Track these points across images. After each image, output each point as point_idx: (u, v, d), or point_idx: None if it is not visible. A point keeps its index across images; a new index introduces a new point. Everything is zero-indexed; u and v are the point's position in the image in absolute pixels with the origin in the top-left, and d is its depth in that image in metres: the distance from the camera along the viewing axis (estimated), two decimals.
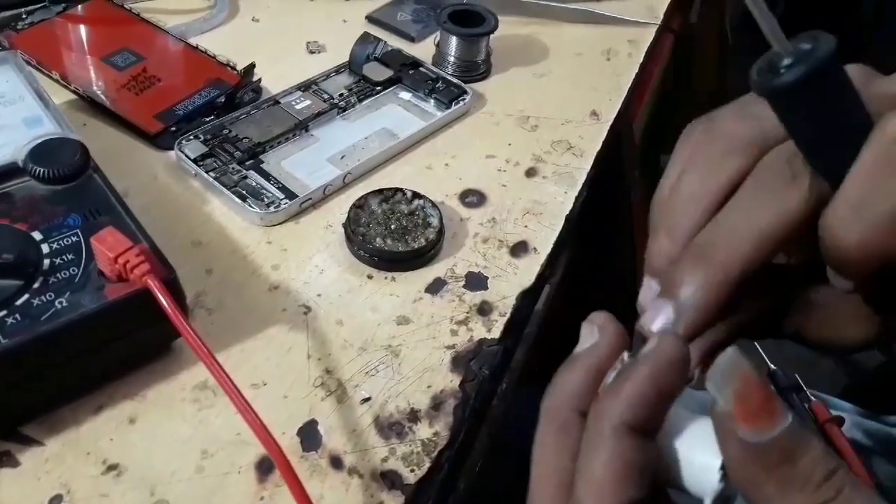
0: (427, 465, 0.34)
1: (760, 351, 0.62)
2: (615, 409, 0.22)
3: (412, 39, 0.61)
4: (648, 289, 0.27)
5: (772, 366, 0.59)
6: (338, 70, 0.56)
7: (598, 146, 0.53)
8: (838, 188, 0.22)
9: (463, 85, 0.55)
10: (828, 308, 0.27)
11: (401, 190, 0.45)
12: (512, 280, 0.43)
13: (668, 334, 0.23)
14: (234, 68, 0.54)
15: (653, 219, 0.28)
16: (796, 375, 0.57)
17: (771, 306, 0.28)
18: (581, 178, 0.50)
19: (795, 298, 0.28)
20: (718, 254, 0.24)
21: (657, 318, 0.25)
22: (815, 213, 0.23)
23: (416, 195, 0.45)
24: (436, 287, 0.42)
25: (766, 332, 0.29)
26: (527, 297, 0.43)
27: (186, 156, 0.47)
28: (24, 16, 0.56)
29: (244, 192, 0.45)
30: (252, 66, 0.54)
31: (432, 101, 0.54)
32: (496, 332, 0.40)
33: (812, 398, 0.56)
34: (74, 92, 0.51)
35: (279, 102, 0.52)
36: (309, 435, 0.35)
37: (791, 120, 0.22)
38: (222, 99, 0.52)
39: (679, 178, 0.27)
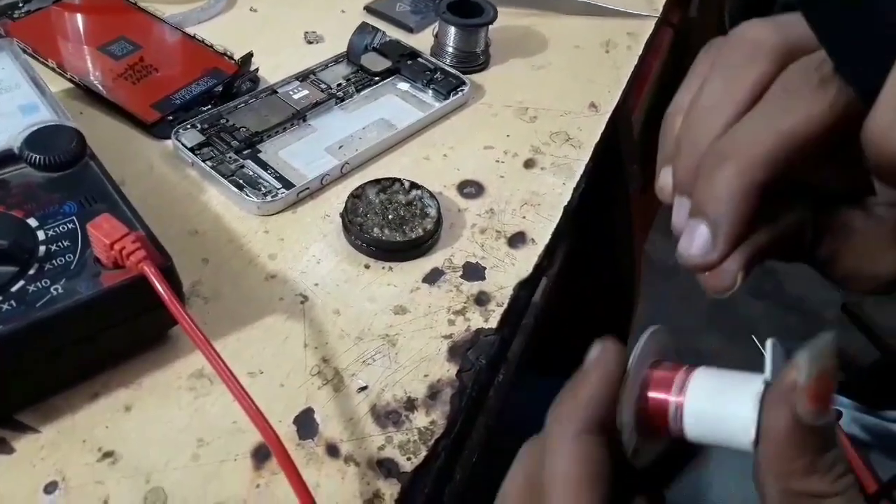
0: (423, 453, 0.34)
1: (760, 346, 0.62)
2: (577, 413, 0.24)
3: (410, 30, 0.61)
4: (681, 206, 0.26)
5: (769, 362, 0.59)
6: (336, 60, 0.55)
7: (597, 138, 0.53)
8: (879, 93, 0.21)
9: (461, 76, 0.55)
10: (864, 234, 0.27)
11: (398, 180, 0.45)
12: (510, 271, 0.43)
13: (607, 346, 0.24)
14: (231, 58, 0.54)
15: (668, 132, 0.27)
16: None
17: (803, 224, 0.27)
18: (579, 169, 0.50)
19: (830, 224, 0.27)
20: (740, 154, 0.24)
21: (693, 242, 0.25)
22: (842, 122, 0.22)
23: (413, 185, 0.45)
24: (433, 277, 0.42)
25: (798, 256, 0.28)
26: (524, 288, 0.43)
27: (183, 145, 0.47)
28: (20, 4, 0.56)
29: (241, 181, 0.45)
30: (249, 55, 0.53)
31: (430, 91, 0.54)
32: (493, 322, 0.40)
33: None
34: (71, 80, 0.51)
35: (277, 92, 0.52)
36: (305, 423, 0.35)
37: (823, 23, 0.21)
38: (219, 88, 0.51)
39: (700, 88, 0.25)
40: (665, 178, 0.28)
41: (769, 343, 0.23)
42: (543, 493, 0.23)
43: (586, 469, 0.23)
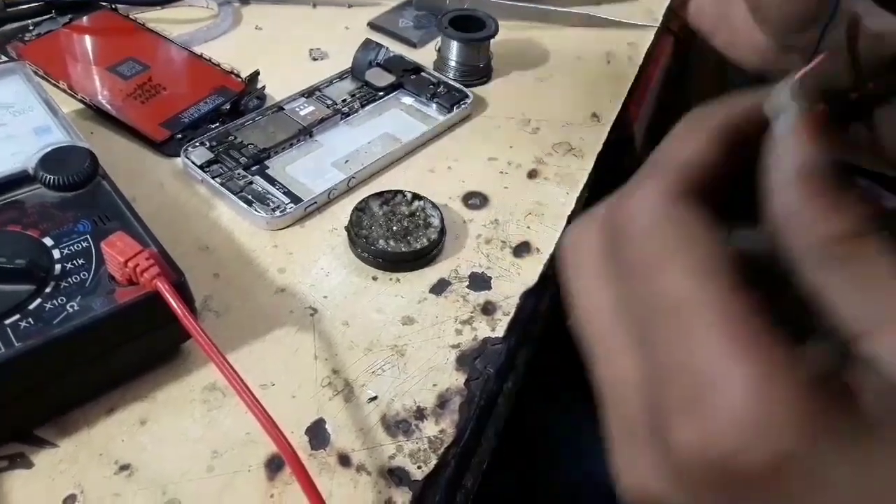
0: (434, 461, 0.35)
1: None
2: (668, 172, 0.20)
3: (414, 45, 0.62)
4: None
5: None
6: (341, 76, 0.56)
7: (599, 148, 0.53)
8: None
9: (464, 89, 0.55)
10: None
11: (401, 192, 0.46)
12: (515, 280, 0.44)
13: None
14: (238, 76, 0.55)
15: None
16: None
17: None
18: (582, 179, 0.51)
19: None
20: None
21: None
22: None
23: (416, 196, 0.46)
24: (440, 288, 0.43)
25: None
26: (530, 297, 0.43)
27: (193, 162, 0.47)
28: (31, 27, 0.57)
29: (250, 197, 0.46)
30: (256, 73, 0.54)
31: (434, 105, 0.55)
32: (500, 331, 0.41)
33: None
34: (81, 101, 0.52)
35: (283, 109, 0.53)
36: (317, 434, 0.36)
37: None
38: (227, 106, 0.52)
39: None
40: None
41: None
42: (623, 256, 0.20)
43: (681, 231, 0.19)
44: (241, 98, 0.53)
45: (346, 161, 0.50)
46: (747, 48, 0.50)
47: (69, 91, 0.52)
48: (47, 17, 0.58)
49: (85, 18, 0.59)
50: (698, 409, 0.17)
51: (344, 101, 0.54)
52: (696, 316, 0.18)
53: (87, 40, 0.58)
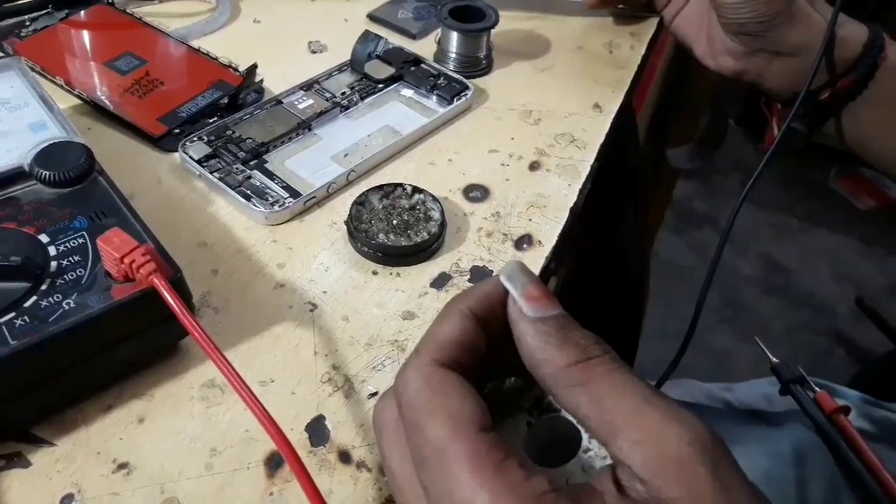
0: None
1: (761, 345, 0.62)
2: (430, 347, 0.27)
3: (413, 37, 0.61)
4: None
5: (773, 359, 0.59)
6: (340, 69, 0.56)
7: (602, 138, 0.53)
8: None
9: (465, 80, 0.55)
10: None
11: (401, 185, 0.45)
12: None
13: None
14: (236, 69, 0.54)
15: None
16: (799, 367, 0.57)
17: None
18: (585, 170, 0.50)
19: None
20: None
21: None
22: None
23: (416, 189, 0.45)
24: (441, 282, 0.42)
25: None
26: None
27: (191, 157, 0.47)
28: (27, 23, 0.57)
29: (249, 191, 0.45)
30: (254, 67, 0.54)
31: (434, 97, 0.54)
32: None
33: (817, 389, 0.56)
34: (78, 97, 0.52)
35: (282, 102, 0.52)
36: (317, 430, 0.35)
37: None
38: (225, 100, 0.52)
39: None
40: None
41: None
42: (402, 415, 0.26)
43: (434, 388, 0.26)
44: (239, 92, 0.52)
45: (346, 154, 0.49)
46: (722, 54, 0.57)
47: (66, 86, 0.52)
48: (44, 12, 0.58)
49: (82, 13, 0.59)
50: None
51: (343, 93, 0.54)
52: (451, 456, 0.24)
53: (85, 35, 0.58)
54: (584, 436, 0.27)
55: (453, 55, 0.57)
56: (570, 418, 0.27)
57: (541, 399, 0.29)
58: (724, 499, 0.22)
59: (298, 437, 0.35)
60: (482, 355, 0.28)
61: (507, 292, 0.28)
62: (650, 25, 0.64)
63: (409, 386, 0.26)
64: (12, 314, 0.32)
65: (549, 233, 0.46)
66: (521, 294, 0.27)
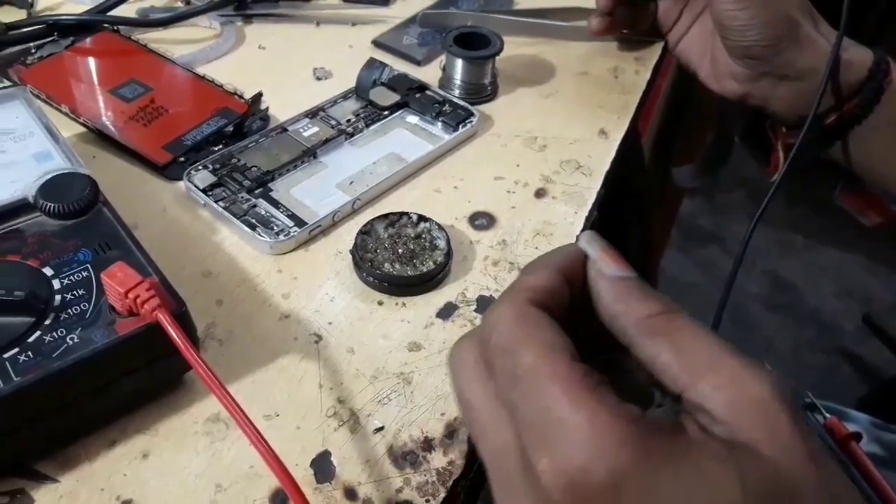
0: (442, 494, 0.34)
1: (768, 367, 0.61)
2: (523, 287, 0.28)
3: (418, 63, 0.62)
4: None
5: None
6: (345, 96, 0.56)
7: (608, 165, 0.53)
8: None
9: (470, 107, 0.55)
10: None
11: (406, 214, 0.45)
12: None
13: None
14: (241, 97, 0.54)
15: None
16: (809, 393, 0.56)
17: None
18: (591, 197, 0.50)
19: None
20: None
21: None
22: None
23: (421, 218, 0.45)
24: (447, 312, 0.42)
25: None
26: None
27: (196, 186, 0.47)
28: (33, 50, 0.57)
29: (254, 220, 0.45)
30: (259, 94, 0.54)
31: (439, 124, 0.54)
32: None
33: (827, 415, 0.56)
34: (83, 125, 0.52)
35: (287, 130, 0.52)
36: (322, 466, 0.35)
37: None
38: (230, 128, 0.52)
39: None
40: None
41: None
42: (489, 351, 0.26)
43: (527, 325, 0.25)
44: (244, 120, 0.52)
45: (351, 182, 0.49)
46: (726, 78, 0.57)
47: (72, 114, 0.52)
48: (49, 39, 0.58)
49: (87, 41, 0.59)
50: (551, 445, 0.23)
51: (348, 121, 0.54)
52: (546, 378, 0.24)
53: (90, 62, 0.58)
54: (657, 395, 0.28)
55: (458, 82, 0.57)
56: (640, 381, 0.28)
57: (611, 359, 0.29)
58: (803, 446, 0.22)
59: (304, 474, 0.34)
60: (565, 309, 0.28)
61: (585, 257, 0.29)
62: (655, 50, 0.64)
63: (503, 318, 0.26)
64: (16, 349, 0.32)
65: None
66: (600, 256, 0.28)
